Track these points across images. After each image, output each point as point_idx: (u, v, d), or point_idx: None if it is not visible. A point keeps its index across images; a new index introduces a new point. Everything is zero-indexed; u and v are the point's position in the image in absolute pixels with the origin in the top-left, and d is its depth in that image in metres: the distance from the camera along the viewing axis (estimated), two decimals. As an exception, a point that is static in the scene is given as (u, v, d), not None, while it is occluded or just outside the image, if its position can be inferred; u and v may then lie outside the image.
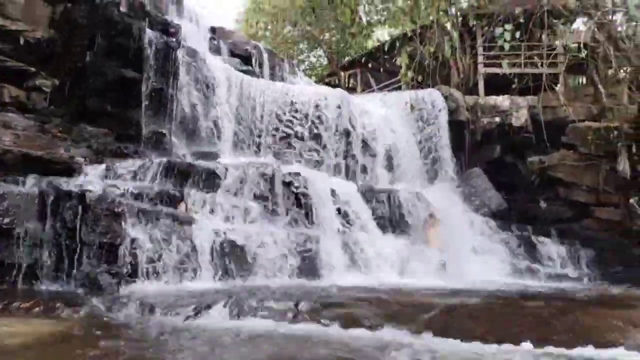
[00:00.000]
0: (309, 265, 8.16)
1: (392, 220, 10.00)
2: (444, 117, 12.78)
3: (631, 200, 10.78)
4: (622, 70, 11.59)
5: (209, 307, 5.06)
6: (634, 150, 10.93)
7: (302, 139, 11.35)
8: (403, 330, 4.61)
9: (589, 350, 4.20)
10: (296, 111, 11.53)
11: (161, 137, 9.88)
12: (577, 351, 4.21)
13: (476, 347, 4.29)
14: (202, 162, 8.85)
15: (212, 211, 7.68)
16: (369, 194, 10.17)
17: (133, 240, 6.15)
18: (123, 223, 6.10)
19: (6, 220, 5.77)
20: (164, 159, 8.71)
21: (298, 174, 9.02)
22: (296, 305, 5.22)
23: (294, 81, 14.23)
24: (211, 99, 10.89)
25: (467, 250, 10.36)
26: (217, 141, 10.70)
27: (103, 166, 8.31)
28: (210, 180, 8.25)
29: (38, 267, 5.75)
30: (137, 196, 7.19)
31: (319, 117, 11.57)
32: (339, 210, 9.15)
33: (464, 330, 4.67)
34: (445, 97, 12.93)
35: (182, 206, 7.43)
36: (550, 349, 4.25)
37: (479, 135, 12.84)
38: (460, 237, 10.53)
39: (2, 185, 6.06)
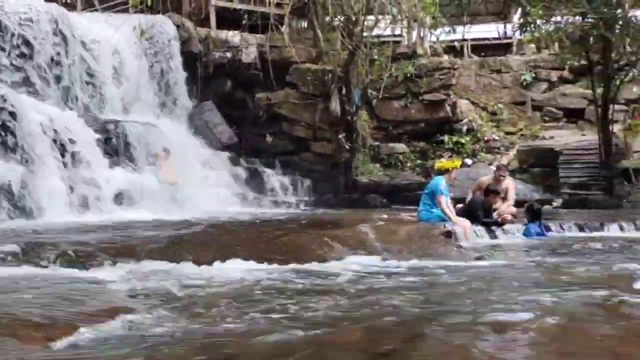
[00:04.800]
0: (21, 205, 7.32)
1: (120, 153, 9.48)
2: (176, 47, 12.33)
3: (340, 136, 12.38)
4: (336, 18, 12.81)
5: None
6: (343, 91, 12.43)
7: (6, 58, 9.59)
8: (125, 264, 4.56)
9: (297, 265, 4.83)
10: (-2, 24, 9.64)
11: None
12: (291, 267, 4.77)
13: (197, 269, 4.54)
14: None
15: None
16: (93, 124, 9.35)
17: None
18: None
19: None
20: None
21: (3, 100, 7.69)
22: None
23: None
24: None
25: (200, 184, 10.54)
26: None
27: None
28: None
29: None
30: None
31: (28, 36, 9.90)
32: (55, 142, 8.20)
33: (192, 255, 4.81)
34: (177, 26, 12.45)
35: None
36: (271, 266, 4.72)
37: (211, 68, 12.85)
38: (192, 170, 10.62)
39: None
